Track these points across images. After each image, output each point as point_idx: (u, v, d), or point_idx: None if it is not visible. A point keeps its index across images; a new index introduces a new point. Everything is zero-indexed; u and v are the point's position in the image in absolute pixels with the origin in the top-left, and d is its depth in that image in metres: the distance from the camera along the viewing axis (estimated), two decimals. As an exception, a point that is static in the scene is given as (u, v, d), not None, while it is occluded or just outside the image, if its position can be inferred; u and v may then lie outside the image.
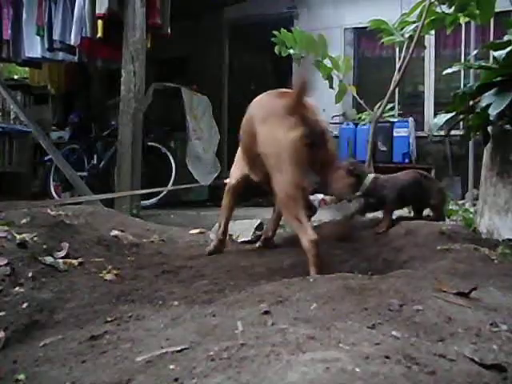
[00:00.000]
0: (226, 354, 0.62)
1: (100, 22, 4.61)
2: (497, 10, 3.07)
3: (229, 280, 1.55)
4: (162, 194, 6.15)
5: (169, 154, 6.28)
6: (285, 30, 3.42)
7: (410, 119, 6.69)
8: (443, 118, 2.05)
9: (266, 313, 0.82)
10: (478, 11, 2.90)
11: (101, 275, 1.73)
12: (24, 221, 2.28)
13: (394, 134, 6.67)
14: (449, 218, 2.52)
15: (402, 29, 3.51)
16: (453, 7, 2.99)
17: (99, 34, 4.65)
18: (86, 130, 6.90)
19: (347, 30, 7.65)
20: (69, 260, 1.85)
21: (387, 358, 0.60)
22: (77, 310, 1.27)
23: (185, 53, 8.30)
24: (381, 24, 3.66)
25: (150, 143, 5.94)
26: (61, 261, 1.82)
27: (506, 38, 1.90)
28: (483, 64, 1.88)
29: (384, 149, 6.82)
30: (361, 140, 6.84)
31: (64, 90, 7.92)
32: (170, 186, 6.17)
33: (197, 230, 3.20)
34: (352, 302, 0.86)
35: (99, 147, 6.64)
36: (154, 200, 6.05)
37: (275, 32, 3.52)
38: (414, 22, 3.40)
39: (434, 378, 0.58)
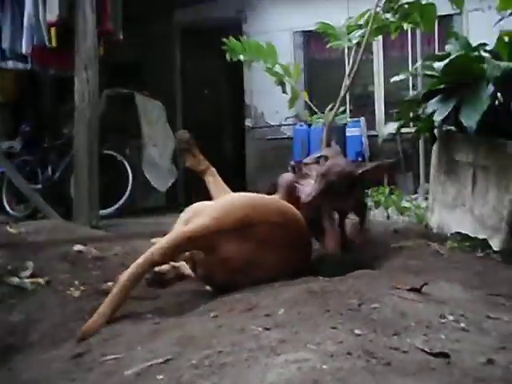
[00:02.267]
0: (208, 362, 0.68)
1: (53, 30, 4.54)
2: (440, 13, 3.25)
3: (196, 289, 1.60)
4: (120, 203, 6.11)
5: (125, 161, 6.23)
6: (233, 38, 3.48)
7: (362, 119, 6.91)
8: (393, 126, 2.19)
9: (238, 320, 0.89)
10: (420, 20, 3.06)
11: (69, 292, 1.75)
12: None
13: (347, 134, 6.86)
14: (402, 214, 2.66)
15: (349, 33, 3.64)
16: (397, 15, 3.14)
17: (53, 43, 4.58)
18: (39, 140, 6.74)
19: (296, 33, 7.80)
20: (35, 279, 1.86)
21: (349, 354, 0.68)
22: (50, 330, 1.29)
23: (136, 57, 8.21)
24: (328, 28, 3.77)
25: (105, 151, 5.86)
26: (27, 280, 1.83)
27: (446, 47, 2.05)
28: (428, 73, 2.02)
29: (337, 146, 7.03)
30: (315, 140, 6.99)
31: (12, 98, 7.68)
32: (127, 195, 6.15)
33: (158, 239, 3.22)
34: (315, 305, 0.94)
35: (53, 158, 6.51)
36: (111, 209, 6.00)
37: (224, 40, 3.58)
38: (360, 27, 3.53)
39: (389, 368, 0.66)
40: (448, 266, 1.45)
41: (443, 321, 0.92)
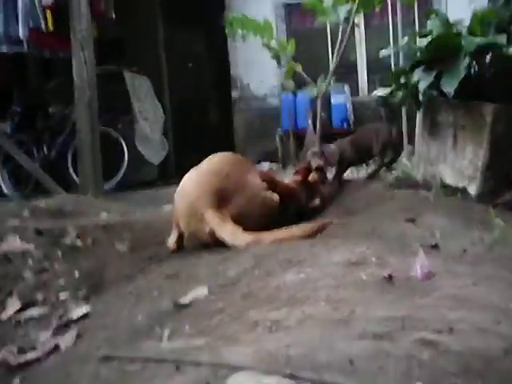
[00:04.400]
0: (285, 262, 0.99)
1: (49, 13, 4.69)
2: None
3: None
4: (118, 177, 6.35)
5: (120, 137, 6.44)
6: (234, 15, 3.72)
7: (346, 87, 7.19)
8: (383, 91, 2.52)
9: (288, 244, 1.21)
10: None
11: (117, 248, 2.06)
12: (26, 213, 2.55)
13: (332, 102, 7.14)
14: (390, 171, 3.02)
15: (335, 9, 3.88)
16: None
17: (50, 26, 4.73)
18: (31, 120, 6.86)
19: (278, 6, 7.95)
20: (84, 240, 2.16)
21: (376, 249, 1.02)
22: (121, 272, 1.61)
23: (119, 33, 8.26)
24: (315, 4, 4.01)
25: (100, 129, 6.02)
26: (78, 241, 2.13)
27: (428, 23, 2.37)
28: (412, 47, 2.35)
29: (323, 115, 7.32)
30: (300, 109, 7.26)
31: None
32: (123, 169, 6.39)
33: (170, 206, 3.53)
34: (341, 231, 1.28)
35: (47, 137, 6.65)
36: (110, 183, 6.23)
37: (224, 15, 3.83)
38: (346, 0, 3.77)
39: (404, 249, 1.02)
40: (434, 206, 1.80)
41: (433, 236, 1.26)
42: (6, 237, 2.10)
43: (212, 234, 1.73)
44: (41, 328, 1.20)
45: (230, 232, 1.65)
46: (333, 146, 2.88)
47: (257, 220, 1.75)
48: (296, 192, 2.17)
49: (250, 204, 1.81)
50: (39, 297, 1.54)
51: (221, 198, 1.80)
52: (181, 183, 2.03)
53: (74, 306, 1.30)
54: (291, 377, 0.52)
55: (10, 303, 1.51)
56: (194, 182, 1.96)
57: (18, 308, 1.48)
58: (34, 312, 1.39)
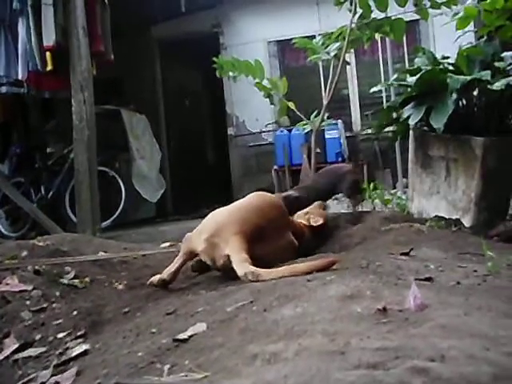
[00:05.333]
0: (282, 298, 1.01)
1: (48, 54, 4.78)
2: (407, 19, 3.64)
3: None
4: (115, 216, 6.36)
5: (117, 176, 6.48)
6: (223, 58, 3.82)
7: (339, 122, 7.32)
8: (374, 129, 2.59)
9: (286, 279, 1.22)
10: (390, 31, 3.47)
11: (115, 286, 2.06)
12: (25, 253, 2.55)
13: (326, 137, 7.26)
14: (386, 205, 3.05)
15: (326, 47, 4.00)
16: (369, 29, 3.53)
17: (49, 67, 4.82)
18: (30, 161, 6.90)
19: (271, 43, 8.16)
20: (82, 279, 2.17)
21: (371, 282, 1.03)
22: (119, 310, 1.61)
23: (117, 73, 8.41)
24: (306, 43, 4.13)
25: (98, 168, 6.07)
26: (76, 280, 2.13)
27: (416, 60, 2.46)
28: (402, 83, 2.43)
29: (318, 151, 7.42)
30: (295, 145, 7.37)
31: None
32: (121, 207, 6.41)
33: (167, 244, 3.54)
34: (337, 267, 1.29)
35: (45, 177, 6.68)
36: (108, 221, 6.24)
37: (215, 59, 3.93)
38: (336, 39, 3.89)
39: (397, 283, 1.03)
40: (428, 238, 1.83)
41: (427, 269, 1.29)
42: (4, 277, 2.10)
43: (227, 259, 1.69)
44: (39, 367, 1.20)
45: (240, 260, 1.61)
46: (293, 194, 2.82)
47: (273, 262, 1.73)
48: (304, 232, 2.18)
49: (277, 252, 1.81)
50: (37, 336, 1.54)
51: (256, 235, 1.76)
52: (215, 212, 1.99)
53: (72, 344, 1.30)
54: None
55: (8, 343, 1.51)
56: (232, 211, 1.92)
57: (15, 348, 1.48)
58: (31, 352, 1.38)
